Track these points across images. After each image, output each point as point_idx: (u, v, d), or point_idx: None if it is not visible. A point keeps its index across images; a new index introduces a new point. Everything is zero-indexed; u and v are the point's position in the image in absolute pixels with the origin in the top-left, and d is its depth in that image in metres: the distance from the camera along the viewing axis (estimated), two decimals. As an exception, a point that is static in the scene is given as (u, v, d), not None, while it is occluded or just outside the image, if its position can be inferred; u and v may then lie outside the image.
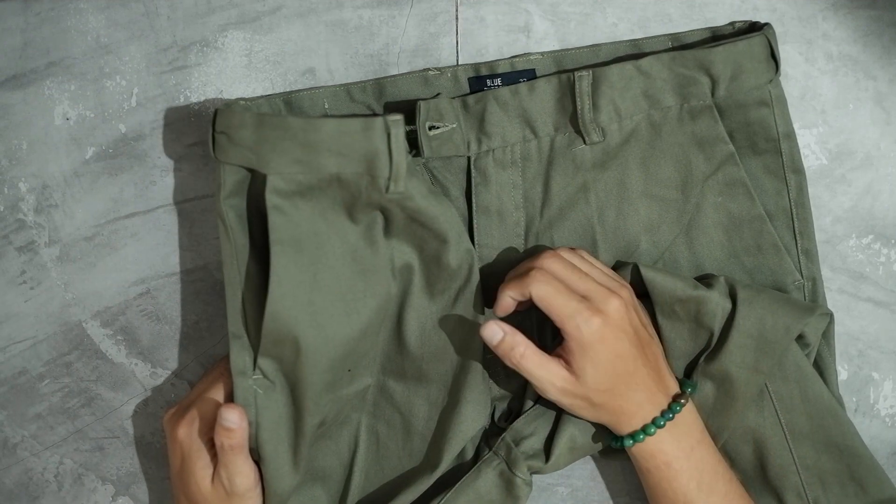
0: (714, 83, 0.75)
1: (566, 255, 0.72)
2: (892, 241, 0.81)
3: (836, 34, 0.81)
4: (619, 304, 0.69)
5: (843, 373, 0.81)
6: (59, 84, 0.79)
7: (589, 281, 0.70)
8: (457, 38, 0.80)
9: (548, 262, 0.70)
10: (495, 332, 0.70)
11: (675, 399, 0.71)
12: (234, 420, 0.66)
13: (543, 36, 0.80)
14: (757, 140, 0.76)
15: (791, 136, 0.77)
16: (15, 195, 0.79)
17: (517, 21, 0.80)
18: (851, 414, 0.81)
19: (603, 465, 0.81)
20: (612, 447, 0.74)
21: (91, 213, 0.79)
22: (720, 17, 0.80)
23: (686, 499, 0.70)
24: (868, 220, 0.81)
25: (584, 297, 0.69)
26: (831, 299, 0.81)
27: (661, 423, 0.70)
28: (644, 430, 0.70)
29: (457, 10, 0.80)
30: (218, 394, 0.70)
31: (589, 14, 0.80)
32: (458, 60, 0.79)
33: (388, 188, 0.67)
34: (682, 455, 0.70)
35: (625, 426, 0.70)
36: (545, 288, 0.68)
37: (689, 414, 0.72)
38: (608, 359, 0.68)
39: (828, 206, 0.81)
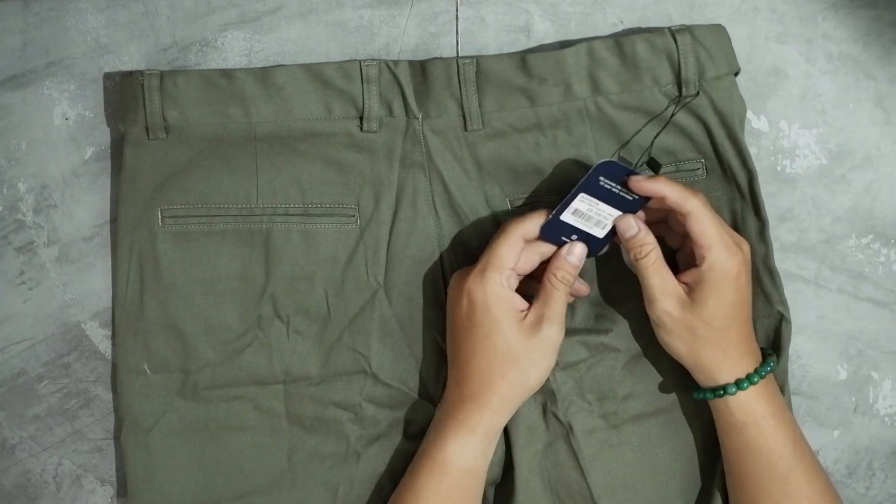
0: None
1: None
2: (892, 241, 0.81)
3: (836, 34, 0.81)
4: (749, 254, 0.71)
5: (842, 372, 0.81)
6: (59, 84, 0.78)
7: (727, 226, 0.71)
8: (457, 38, 0.80)
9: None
10: (630, 226, 0.70)
11: (765, 359, 0.71)
12: (580, 254, 0.70)
13: (543, 36, 0.80)
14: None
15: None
16: (14, 195, 0.78)
17: (517, 21, 0.80)
18: (850, 413, 0.81)
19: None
20: (697, 398, 0.73)
21: (90, 213, 0.78)
22: (720, 17, 0.80)
23: (782, 456, 0.69)
24: (868, 220, 0.81)
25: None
26: (831, 299, 0.81)
27: (763, 373, 0.69)
28: (748, 378, 0.69)
29: (457, 10, 0.80)
30: (507, 249, 0.69)
31: (589, 14, 0.80)
32: (458, 61, 0.79)
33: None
34: (777, 412, 0.70)
35: (723, 374, 0.70)
36: (708, 209, 0.69)
37: (772, 377, 0.72)
38: (732, 299, 0.69)
39: (827, 206, 0.81)
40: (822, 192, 0.81)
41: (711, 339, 0.69)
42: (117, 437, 0.78)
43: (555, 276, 0.69)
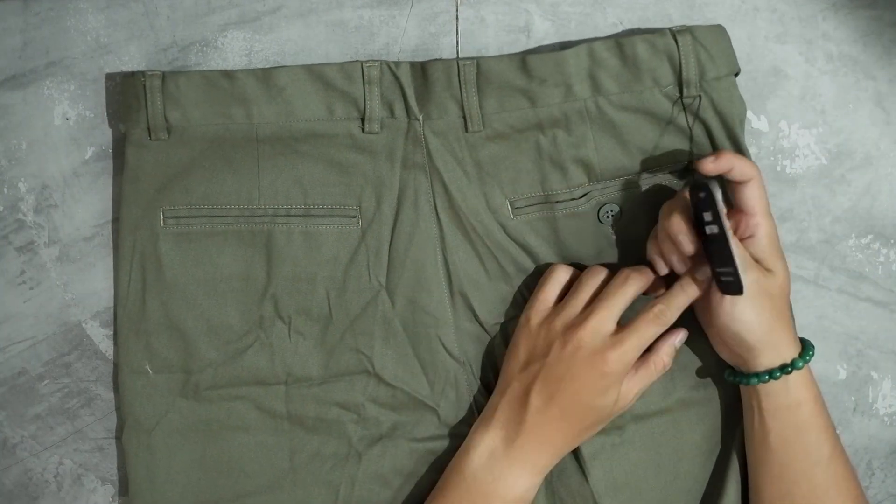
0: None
1: None
2: (892, 241, 0.81)
3: (836, 34, 0.81)
4: None
5: (841, 372, 0.82)
6: (59, 84, 0.78)
7: None
8: (457, 38, 0.80)
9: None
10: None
11: (804, 345, 0.73)
12: (683, 340, 0.74)
13: (544, 36, 0.80)
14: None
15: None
16: (14, 195, 0.78)
17: (517, 21, 0.80)
18: (850, 413, 0.82)
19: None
20: (759, 382, 0.72)
21: (91, 213, 0.79)
22: (720, 17, 0.80)
23: (829, 435, 0.71)
24: (867, 220, 0.81)
25: None
26: (830, 299, 0.81)
27: (812, 352, 0.71)
28: (802, 356, 0.71)
29: (457, 10, 0.80)
30: (617, 311, 0.71)
31: (589, 14, 0.80)
32: (458, 62, 0.79)
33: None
34: (819, 395, 0.72)
35: (787, 348, 0.71)
36: (762, 178, 0.71)
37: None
38: (785, 267, 0.72)
39: (827, 206, 0.81)
40: (821, 192, 0.81)
41: (780, 308, 0.71)
42: (119, 437, 0.78)
43: (662, 360, 0.72)
